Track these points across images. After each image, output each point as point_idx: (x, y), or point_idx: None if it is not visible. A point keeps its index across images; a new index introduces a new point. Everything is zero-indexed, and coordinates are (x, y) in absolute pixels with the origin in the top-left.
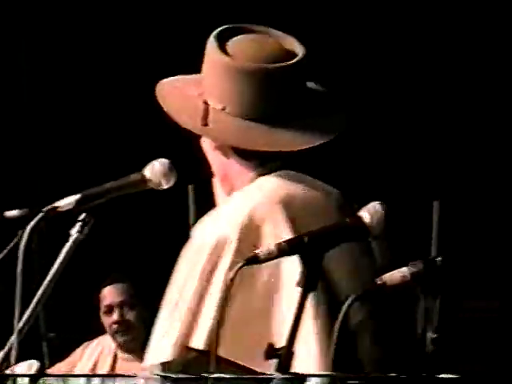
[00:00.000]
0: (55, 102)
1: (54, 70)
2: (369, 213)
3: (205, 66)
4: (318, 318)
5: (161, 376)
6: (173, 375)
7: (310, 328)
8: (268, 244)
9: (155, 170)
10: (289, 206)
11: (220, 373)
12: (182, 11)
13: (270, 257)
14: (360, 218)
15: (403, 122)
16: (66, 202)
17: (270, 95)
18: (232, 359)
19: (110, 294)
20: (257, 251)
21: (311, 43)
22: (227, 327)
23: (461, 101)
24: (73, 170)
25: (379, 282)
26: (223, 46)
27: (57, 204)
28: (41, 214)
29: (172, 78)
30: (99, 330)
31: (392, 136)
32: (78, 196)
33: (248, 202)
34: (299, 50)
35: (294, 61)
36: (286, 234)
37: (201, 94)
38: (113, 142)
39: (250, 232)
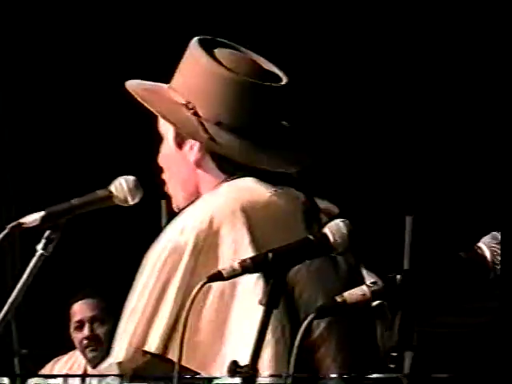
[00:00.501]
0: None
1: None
2: (332, 231)
3: (194, 75)
4: (279, 337)
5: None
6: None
7: (269, 347)
8: (229, 257)
9: (121, 187)
10: (249, 211)
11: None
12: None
13: (233, 274)
14: (324, 236)
15: (377, 135)
16: (31, 219)
17: (264, 114)
18: (184, 364)
19: (80, 310)
20: (220, 268)
21: (305, 46)
22: (176, 337)
23: (434, 114)
24: (44, 182)
25: (339, 300)
26: (215, 57)
27: (22, 220)
28: (5, 231)
29: (136, 81)
30: (71, 346)
31: (367, 150)
32: (42, 213)
33: (207, 208)
34: (281, 73)
35: (283, 83)
36: (245, 240)
37: (187, 103)
38: (83, 157)
39: (208, 237)
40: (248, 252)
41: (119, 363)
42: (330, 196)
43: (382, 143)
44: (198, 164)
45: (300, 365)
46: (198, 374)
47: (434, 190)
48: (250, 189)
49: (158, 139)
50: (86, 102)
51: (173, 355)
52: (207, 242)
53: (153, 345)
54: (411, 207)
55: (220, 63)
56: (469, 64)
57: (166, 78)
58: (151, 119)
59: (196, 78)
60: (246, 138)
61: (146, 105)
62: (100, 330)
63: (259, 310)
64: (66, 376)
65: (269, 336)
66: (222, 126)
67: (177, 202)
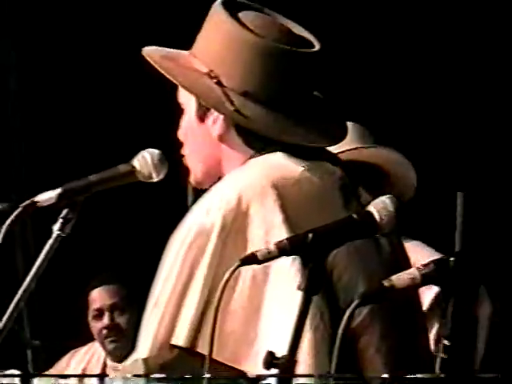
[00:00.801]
0: (44, 97)
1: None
2: (378, 209)
3: (217, 41)
4: (318, 325)
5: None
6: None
7: (307, 336)
8: (260, 238)
9: (145, 161)
10: (281, 188)
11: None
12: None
13: (269, 256)
14: (369, 214)
15: (427, 113)
16: (47, 197)
17: (295, 83)
18: (214, 357)
19: (99, 297)
20: (255, 250)
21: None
22: (205, 327)
23: (484, 93)
24: (61, 161)
25: (386, 284)
26: (241, 21)
27: (36, 199)
28: (18, 210)
29: (153, 47)
30: (87, 337)
31: (415, 127)
32: (59, 190)
33: (235, 186)
34: (312, 38)
35: (316, 49)
36: (277, 219)
37: (210, 72)
38: (103, 134)
39: (236, 218)
40: (281, 232)
41: (145, 359)
42: None
43: (431, 117)
44: (222, 139)
45: (340, 356)
46: (229, 367)
47: (487, 165)
48: (281, 164)
49: (179, 111)
50: (102, 73)
51: (202, 348)
52: (236, 223)
53: (180, 337)
54: (463, 183)
55: (246, 27)
56: None
57: (188, 44)
58: (172, 89)
59: (219, 44)
60: (275, 110)
61: (164, 73)
62: (121, 319)
63: (296, 296)
64: (82, 376)
65: (306, 324)
66: (249, 96)
67: (196, 178)
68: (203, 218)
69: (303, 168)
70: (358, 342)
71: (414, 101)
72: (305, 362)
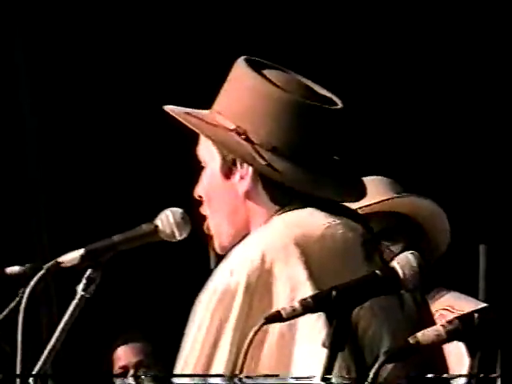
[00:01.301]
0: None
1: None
2: (402, 264)
3: (243, 97)
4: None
5: None
6: None
7: None
8: (286, 295)
9: (167, 220)
10: (304, 245)
11: None
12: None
13: (294, 314)
14: (393, 270)
15: (448, 163)
16: (70, 258)
17: (321, 139)
18: None
19: (124, 355)
20: (280, 308)
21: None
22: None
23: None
24: (83, 221)
25: (412, 341)
26: (266, 77)
27: (60, 259)
28: (42, 272)
29: (173, 107)
30: None
31: (436, 176)
32: (82, 250)
33: (258, 244)
34: (334, 97)
35: (339, 106)
36: (301, 276)
37: (237, 128)
38: (124, 192)
39: (260, 276)
40: (306, 288)
41: None
42: None
43: (452, 171)
44: (249, 195)
45: None
46: None
47: (508, 217)
48: (304, 221)
49: (199, 168)
50: (122, 131)
51: None
52: (260, 282)
53: None
54: (485, 235)
55: (272, 83)
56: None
57: (202, 104)
58: (192, 145)
59: (246, 99)
60: (301, 165)
61: (193, 128)
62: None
63: (323, 352)
64: None
65: (333, 377)
66: (278, 151)
67: (221, 240)
68: (228, 278)
69: (326, 224)
70: None
71: (433, 150)
72: None
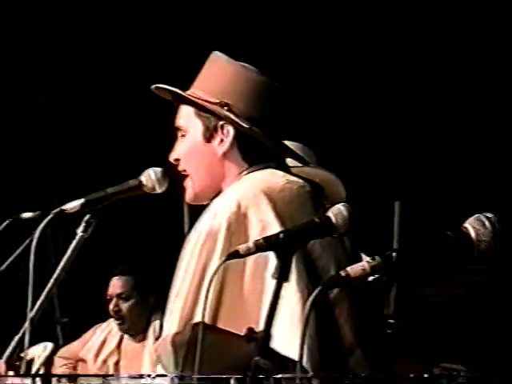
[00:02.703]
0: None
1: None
2: (335, 213)
3: (225, 79)
4: (302, 300)
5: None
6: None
7: (295, 310)
8: (258, 235)
9: (149, 177)
10: (269, 194)
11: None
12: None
13: (248, 252)
14: (328, 218)
15: (368, 125)
16: (72, 206)
17: (281, 113)
18: (234, 331)
19: (112, 285)
20: (237, 247)
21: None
22: (224, 309)
23: (424, 105)
24: (84, 174)
25: (343, 274)
26: (240, 64)
27: (64, 207)
28: (50, 216)
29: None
30: (107, 315)
31: (360, 142)
32: (82, 200)
33: (233, 195)
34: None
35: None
36: (270, 217)
37: (220, 101)
38: (116, 153)
39: (237, 219)
40: (274, 227)
41: (173, 335)
42: None
43: (371, 134)
44: (226, 155)
45: (321, 319)
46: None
47: (420, 178)
48: (268, 178)
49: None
50: (114, 110)
51: (222, 324)
52: (238, 223)
53: (200, 317)
54: (399, 193)
55: (247, 68)
56: (448, 54)
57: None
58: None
59: (227, 79)
60: (268, 132)
61: (190, 101)
62: (123, 306)
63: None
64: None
65: (296, 296)
66: (252, 120)
67: (194, 188)
68: (212, 221)
69: (284, 181)
70: (334, 311)
71: (357, 112)
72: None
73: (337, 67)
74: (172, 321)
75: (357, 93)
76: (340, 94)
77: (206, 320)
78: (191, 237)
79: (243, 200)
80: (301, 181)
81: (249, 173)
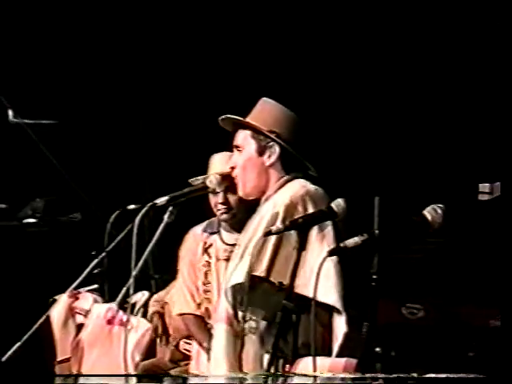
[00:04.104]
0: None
1: None
2: (336, 204)
3: (275, 115)
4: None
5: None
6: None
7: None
8: None
9: (211, 181)
10: (312, 197)
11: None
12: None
13: (279, 231)
14: (331, 208)
15: (351, 122)
16: (161, 200)
17: (306, 138)
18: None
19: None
20: (271, 227)
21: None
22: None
23: (403, 101)
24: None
25: (341, 245)
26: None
27: (155, 201)
28: (145, 209)
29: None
30: None
31: (344, 141)
32: (167, 197)
33: (287, 194)
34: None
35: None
36: (310, 210)
37: (271, 130)
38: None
39: (292, 210)
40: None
41: (239, 284)
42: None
43: (353, 131)
44: (272, 166)
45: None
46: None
47: (399, 175)
48: (303, 185)
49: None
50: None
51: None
52: (292, 213)
53: (260, 271)
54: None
55: (284, 108)
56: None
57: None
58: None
59: (276, 116)
60: (301, 152)
61: (253, 124)
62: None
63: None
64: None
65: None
66: (290, 143)
67: (246, 188)
68: (272, 209)
69: (315, 187)
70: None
71: (342, 110)
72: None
73: (318, 62)
74: (240, 268)
75: (337, 90)
76: (320, 91)
77: (264, 268)
78: (254, 218)
79: (293, 198)
80: (317, 187)
81: (286, 181)
